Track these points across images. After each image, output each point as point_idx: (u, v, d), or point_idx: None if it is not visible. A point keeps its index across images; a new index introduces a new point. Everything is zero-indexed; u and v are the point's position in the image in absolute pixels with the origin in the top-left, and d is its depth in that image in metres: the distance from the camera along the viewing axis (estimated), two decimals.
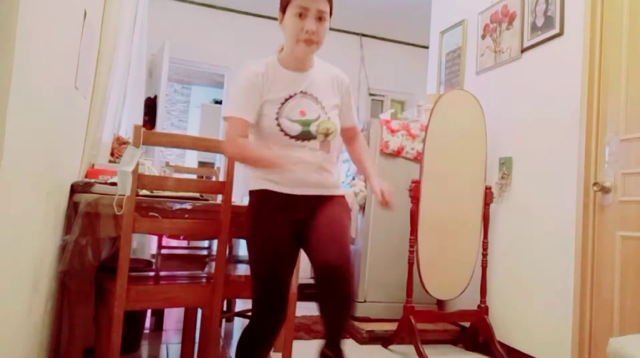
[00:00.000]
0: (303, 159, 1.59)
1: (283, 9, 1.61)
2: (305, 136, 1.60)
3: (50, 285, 1.69)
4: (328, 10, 1.60)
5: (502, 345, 2.71)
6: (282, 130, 1.59)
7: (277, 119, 1.59)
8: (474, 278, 2.80)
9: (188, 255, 3.10)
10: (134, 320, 2.30)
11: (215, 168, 3.58)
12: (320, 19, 1.57)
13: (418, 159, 3.19)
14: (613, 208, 2.20)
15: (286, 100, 1.61)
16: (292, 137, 1.59)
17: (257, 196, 1.65)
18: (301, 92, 1.63)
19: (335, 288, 1.45)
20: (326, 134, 1.63)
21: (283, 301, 1.62)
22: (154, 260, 2.74)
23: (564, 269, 2.40)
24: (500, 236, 2.88)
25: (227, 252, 2.31)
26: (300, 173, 1.59)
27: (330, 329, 1.52)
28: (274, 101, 1.61)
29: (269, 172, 1.61)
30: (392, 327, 2.82)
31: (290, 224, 1.61)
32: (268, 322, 1.63)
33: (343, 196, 1.74)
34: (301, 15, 1.55)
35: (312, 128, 1.60)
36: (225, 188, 1.80)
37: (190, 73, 7.36)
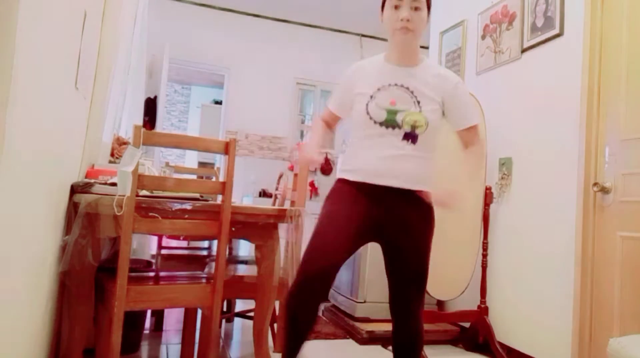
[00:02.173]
0: (385, 150, 1.60)
1: (382, 6, 1.68)
2: (389, 124, 1.60)
3: (50, 285, 1.69)
4: (423, 0, 1.65)
5: (502, 345, 2.71)
6: (368, 115, 1.61)
7: (367, 104, 1.63)
8: (474, 278, 2.80)
9: (188, 256, 3.10)
10: (134, 320, 2.30)
11: (215, 168, 3.57)
12: (415, 8, 1.61)
13: None
14: (613, 209, 2.20)
15: (379, 89, 1.64)
16: (376, 123, 1.60)
17: (336, 183, 1.71)
18: (396, 84, 1.64)
19: (410, 327, 1.68)
20: (413, 126, 1.60)
21: (321, 283, 1.52)
22: (154, 261, 2.74)
23: (564, 269, 2.40)
24: (500, 237, 2.88)
25: (227, 253, 2.32)
26: (379, 164, 1.60)
27: None
28: (367, 90, 1.65)
29: (347, 162, 1.69)
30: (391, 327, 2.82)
31: (366, 217, 1.59)
32: (298, 299, 1.52)
33: (428, 197, 1.63)
34: (397, 7, 1.61)
35: (398, 117, 1.60)
36: (225, 188, 1.80)
37: (190, 73, 7.36)
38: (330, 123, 1.86)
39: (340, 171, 1.72)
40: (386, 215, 1.62)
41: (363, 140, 1.65)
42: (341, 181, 1.69)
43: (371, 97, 1.63)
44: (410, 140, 1.61)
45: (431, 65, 1.74)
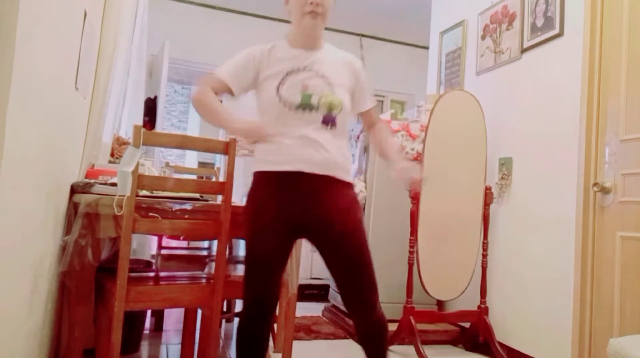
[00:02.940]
0: (304, 135, 1.52)
1: None
2: (305, 107, 1.55)
3: (50, 285, 1.69)
4: None
5: (502, 345, 2.71)
6: (281, 100, 1.55)
7: (277, 89, 1.57)
8: (474, 278, 2.80)
9: (188, 256, 3.09)
10: (134, 320, 2.30)
11: (215, 169, 3.58)
12: None
13: (418, 159, 3.19)
14: (613, 209, 2.20)
15: (288, 73, 1.59)
16: (291, 108, 1.54)
17: (255, 179, 1.62)
18: (306, 68, 1.61)
19: (371, 318, 1.58)
20: (330, 108, 1.56)
21: (269, 298, 1.59)
22: (154, 261, 2.74)
23: (564, 269, 2.40)
24: (500, 237, 2.88)
25: (227, 253, 2.31)
26: (300, 149, 1.52)
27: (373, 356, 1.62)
28: (276, 74, 1.60)
29: (267, 152, 1.58)
30: (392, 327, 2.79)
31: (292, 222, 1.55)
32: (253, 317, 1.60)
33: (351, 185, 1.63)
34: None
35: (314, 100, 1.56)
36: (225, 188, 1.80)
37: (190, 73, 7.34)
38: (217, 91, 1.66)
39: (257, 163, 1.62)
40: (308, 204, 1.54)
41: (270, 124, 1.56)
42: (259, 179, 1.60)
43: (281, 81, 1.58)
44: (329, 124, 1.57)
45: (334, 49, 1.74)
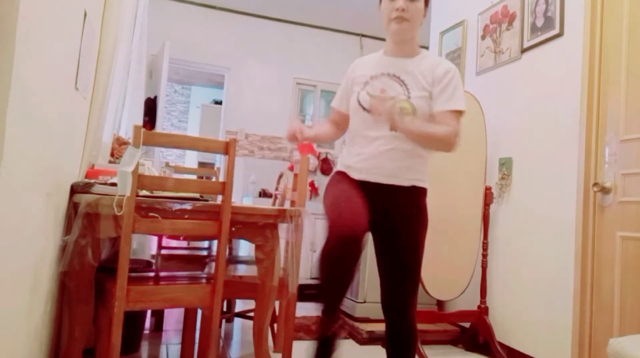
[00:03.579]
0: (375, 142, 1.62)
1: (380, 1, 1.71)
2: None
3: (50, 286, 1.69)
4: None
5: (502, 345, 2.71)
6: (359, 102, 1.66)
7: (359, 93, 1.67)
8: (474, 278, 2.80)
9: (188, 256, 3.09)
10: (134, 320, 2.30)
11: (215, 169, 3.57)
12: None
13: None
14: (613, 209, 2.20)
15: (371, 78, 1.68)
16: (366, 110, 1.63)
17: (335, 174, 1.74)
18: (388, 73, 1.67)
19: (402, 325, 1.66)
20: (402, 114, 1.58)
21: (357, 216, 1.47)
22: (154, 261, 2.74)
23: (564, 269, 2.40)
24: (500, 237, 2.88)
25: (227, 253, 2.31)
26: (369, 162, 1.63)
27: None
28: (361, 81, 1.70)
29: (347, 156, 1.71)
30: None
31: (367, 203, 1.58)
32: (338, 242, 1.41)
33: (421, 192, 1.69)
34: None
35: None
36: (225, 188, 1.80)
37: (190, 73, 7.36)
38: (338, 122, 1.87)
39: (339, 165, 1.77)
40: (379, 208, 1.62)
41: (356, 130, 1.70)
42: (339, 173, 1.74)
43: (364, 86, 1.68)
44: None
45: (429, 56, 1.74)
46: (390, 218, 1.64)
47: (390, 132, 1.61)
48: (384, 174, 1.63)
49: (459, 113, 1.65)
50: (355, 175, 1.67)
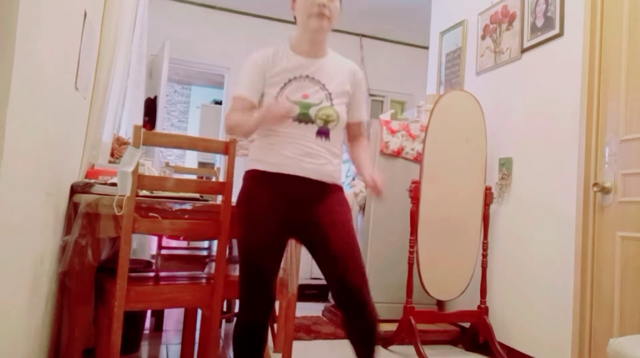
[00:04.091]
0: (301, 144, 1.56)
1: None
2: (303, 119, 1.57)
3: (50, 286, 1.69)
4: None
5: (502, 345, 2.71)
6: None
7: (277, 97, 1.58)
8: (474, 278, 2.80)
9: (188, 256, 3.10)
10: (134, 320, 2.30)
11: (215, 169, 3.57)
12: None
13: (418, 159, 3.19)
14: (613, 209, 2.20)
15: (290, 81, 1.60)
16: (289, 118, 1.55)
17: (249, 176, 1.63)
18: (307, 76, 1.61)
19: (361, 313, 1.55)
20: (326, 121, 1.59)
21: (266, 296, 1.57)
22: (153, 261, 2.74)
23: (564, 269, 2.40)
24: (500, 237, 2.88)
25: (227, 253, 2.31)
26: (296, 157, 1.55)
27: (362, 352, 1.58)
28: (277, 82, 1.61)
29: (265, 154, 1.60)
30: (392, 327, 2.82)
31: (283, 220, 1.58)
32: (251, 317, 1.58)
33: (341, 189, 1.68)
34: None
35: (312, 112, 1.57)
36: (225, 188, 1.80)
37: (190, 73, 7.35)
38: (247, 112, 1.63)
39: (252, 161, 1.64)
40: (300, 204, 1.58)
41: (272, 136, 1.58)
42: (255, 174, 1.61)
43: (281, 89, 1.59)
44: (323, 136, 1.59)
45: (337, 57, 1.74)
46: (316, 211, 1.58)
47: (316, 138, 1.58)
48: (307, 172, 1.57)
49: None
50: (278, 169, 1.57)
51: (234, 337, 1.62)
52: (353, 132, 1.79)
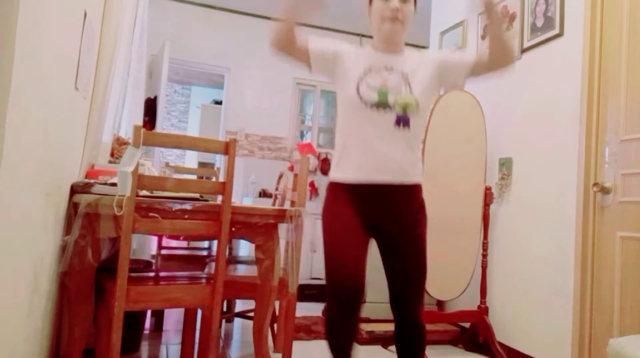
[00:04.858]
0: (378, 139, 1.58)
1: (369, 0, 1.70)
2: (381, 105, 1.58)
3: (50, 286, 1.69)
4: None
5: (502, 345, 2.71)
6: (360, 97, 1.59)
7: (357, 85, 1.61)
8: (474, 278, 2.80)
9: (188, 256, 3.09)
10: (134, 320, 2.30)
11: (215, 169, 3.57)
12: (404, 0, 1.62)
13: None
14: (613, 209, 2.20)
15: (370, 70, 1.64)
16: (367, 105, 1.59)
17: (330, 187, 1.71)
18: (385, 67, 1.65)
19: (409, 326, 1.68)
20: (404, 109, 1.59)
21: (355, 286, 1.60)
22: (153, 261, 2.74)
23: (564, 269, 2.40)
24: (500, 237, 2.88)
25: (227, 253, 2.32)
26: (372, 160, 1.59)
27: None
28: (357, 70, 1.64)
29: (340, 160, 1.67)
30: (392, 327, 2.80)
31: (363, 218, 1.62)
32: (339, 305, 1.60)
33: (419, 189, 1.70)
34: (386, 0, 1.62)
35: (390, 98, 1.59)
36: (225, 188, 1.80)
37: (190, 74, 7.35)
38: (300, 45, 1.68)
39: (333, 171, 1.71)
40: (380, 212, 1.63)
41: (353, 127, 1.63)
42: (333, 186, 1.69)
43: (361, 79, 1.63)
44: (402, 124, 1.60)
45: (413, 50, 1.77)
46: (393, 219, 1.64)
47: (395, 127, 1.59)
48: (388, 172, 1.61)
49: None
50: (358, 179, 1.62)
51: (327, 328, 1.64)
52: (480, 64, 1.71)
